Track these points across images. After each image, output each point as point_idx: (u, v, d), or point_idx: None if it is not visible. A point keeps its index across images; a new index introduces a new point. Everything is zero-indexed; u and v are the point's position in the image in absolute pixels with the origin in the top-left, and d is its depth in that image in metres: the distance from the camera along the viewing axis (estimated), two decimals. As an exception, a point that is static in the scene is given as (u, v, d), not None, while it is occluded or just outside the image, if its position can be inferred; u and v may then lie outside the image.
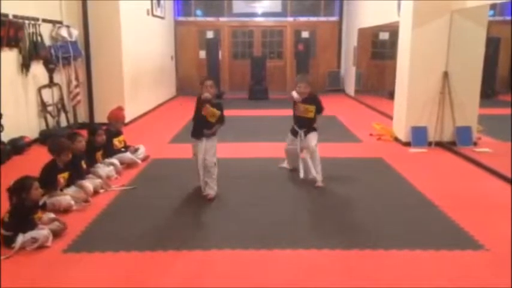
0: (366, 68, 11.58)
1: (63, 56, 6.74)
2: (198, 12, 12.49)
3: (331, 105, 8.60)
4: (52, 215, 3.43)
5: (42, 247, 3.10)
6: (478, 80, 5.98)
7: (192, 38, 12.39)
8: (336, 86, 12.33)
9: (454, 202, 4.00)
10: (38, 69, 6.31)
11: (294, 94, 4.49)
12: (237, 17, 12.43)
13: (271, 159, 5.34)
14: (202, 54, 11.95)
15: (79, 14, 7.20)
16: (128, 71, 7.72)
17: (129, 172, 4.94)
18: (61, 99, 6.86)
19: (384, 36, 11.63)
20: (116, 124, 5.33)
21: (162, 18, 10.27)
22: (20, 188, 3.19)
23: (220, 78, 11.32)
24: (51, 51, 6.57)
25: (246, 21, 12.46)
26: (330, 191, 4.34)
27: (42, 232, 3.14)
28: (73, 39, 6.95)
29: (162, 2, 10.20)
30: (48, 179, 3.73)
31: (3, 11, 5.42)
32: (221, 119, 4.07)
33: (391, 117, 6.91)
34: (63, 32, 6.78)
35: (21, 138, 5.73)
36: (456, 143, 5.92)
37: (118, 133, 5.31)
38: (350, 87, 11.54)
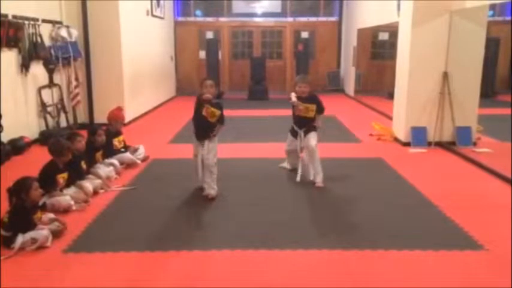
0: (365, 68, 11.58)
1: (62, 56, 6.73)
2: (198, 12, 12.50)
3: (331, 106, 8.59)
4: (52, 216, 3.42)
5: (41, 247, 3.10)
6: (478, 80, 5.98)
7: (191, 38, 12.39)
8: (335, 86, 12.34)
9: (454, 202, 4.01)
10: (37, 70, 6.31)
11: (292, 97, 4.48)
12: (237, 17, 12.44)
13: (271, 159, 5.34)
14: (202, 54, 11.96)
15: (79, 14, 7.20)
16: (128, 72, 7.72)
17: (129, 172, 4.94)
18: (61, 99, 6.86)
19: (384, 36, 11.62)
20: (115, 124, 5.33)
21: (161, 18, 10.27)
22: (19, 189, 3.19)
23: (220, 79, 11.33)
24: (51, 51, 6.57)
25: (246, 21, 12.47)
26: (329, 191, 4.34)
27: (41, 232, 3.14)
28: (73, 39, 6.95)
29: (161, 2, 10.21)
30: (47, 180, 3.72)
31: (2, 11, 5.42)
32: (221, 120, 4.07)
33: (390, 118, 6.91)
34: (63, 33, 6.78)
35: (21, 138, 5.73)
36: (456, 143, 5.92)
37: (118, 133, 5.31)
38: (350, 87, 11.54)
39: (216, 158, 4.12)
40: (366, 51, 11.65)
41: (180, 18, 12.26)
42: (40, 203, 3.35)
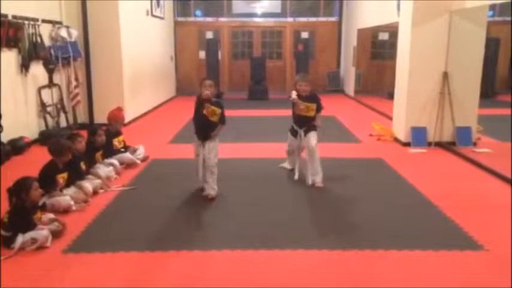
0: (365, 69, 11.58)
1: (62, 56, 6.74)
2: (198, 12, 12.50)
3: (331, 106, 8.62)
4: (52, 216, 3.42)
5: (41, 247, 3.10)
6: (478, 81, 5.98)
7: (191, 39, 12.39)
8: (335, 86, 12.34)
9: (454, 202, 4.01)
10: (37, 70, 6.31)
11: (293, 95, 4.48)
12: (237, 18, 12.44)
13: (271, 159, 5.34)
14: (202, 54, 11.96)
15: (78, 14, 7.20)
16: (128, 72, 7.72)
17: (128, 172, 4.93)
18: (61, 99, 6.86)
19: (384, 36, 11.63)
20: (115, 124, 5.33)
21: (161, 18, 10.27)
22: (19, 189, 3.19)
23: (220, 79, 11.32)
24: (51, 51, 6.57)
25: (246, 21, 12.47)
26: (329, 191, 4.34)
27: (41, 232, 3.14)
28: (72, 39, 6.95)
29: (161, 2, 10.21)
30: (47, 180, 3.72)
31: (2, 11, 5.41)
32: (222, 119, 4.07)
33: (390, 118, 6.91)
34: (63, 33, 6.78)
35: (21, 138, 5.73)
36: (456, 143, 5.92)
37: (118, 133, 5.31)
38: (350, 87, 11.54)
39: (217, 158, 4.12)
40: (365, 51, 11.65)
41: (180, 19, 12.26)
42: (40, 203, 3.36)
